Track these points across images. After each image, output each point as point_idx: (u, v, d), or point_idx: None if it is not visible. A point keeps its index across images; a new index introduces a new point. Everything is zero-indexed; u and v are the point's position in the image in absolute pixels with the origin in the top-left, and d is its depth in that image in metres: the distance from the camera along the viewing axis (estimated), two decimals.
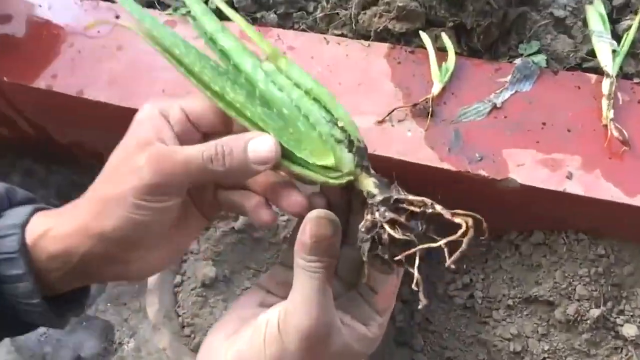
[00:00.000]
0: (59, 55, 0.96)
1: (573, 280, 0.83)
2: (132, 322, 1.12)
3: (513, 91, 0.83)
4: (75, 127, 1.04)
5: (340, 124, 0.44)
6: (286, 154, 0.45)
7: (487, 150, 0.79)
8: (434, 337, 0.97)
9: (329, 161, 0.43)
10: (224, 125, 0.49)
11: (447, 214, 0.39)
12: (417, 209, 0.40)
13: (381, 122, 0.84)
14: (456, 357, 0.96)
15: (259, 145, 0.44)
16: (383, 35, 0.89)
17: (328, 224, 0.44)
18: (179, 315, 0.86)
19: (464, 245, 0.37)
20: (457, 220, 0.38)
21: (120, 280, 0.52)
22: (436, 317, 0.98)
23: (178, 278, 0.88)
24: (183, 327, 0.85)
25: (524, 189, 0.77)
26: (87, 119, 0.96)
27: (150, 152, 0.45)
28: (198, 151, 0.45)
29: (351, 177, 0.43)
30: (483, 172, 0.78)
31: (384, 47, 0.89)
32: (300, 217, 0.46)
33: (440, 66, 0.84)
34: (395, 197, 0.41)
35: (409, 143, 0.81)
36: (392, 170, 0.84)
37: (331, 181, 0.43)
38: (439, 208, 0.40)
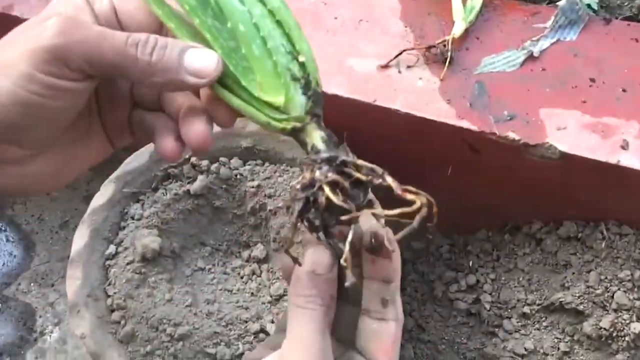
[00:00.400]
0: None
1: (611, 285, 0.75)
2: (59, 307, 1.01)
3: (554, 39, 0.73)
4: None
5: (301, 58, 0.42)
6: (227, 81, 0.42)
7: (519, 108, 0.70)
8: (427, 349, 0.89)
9: (278, 99, 0.41)
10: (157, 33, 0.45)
11: (397, 188, 0.39)
12: (364, 177, 0.39)
13: (385, 66, 0.74)
14: None
15: (200, 55, 0.41)
16: None
17: (325, 250, 0.42)
18: (108, 295, 0.73)
19: (414, 224, 0.38)
20: (409, 197, 0.38)
21: None
22: (431, 324, 0.89)
23: (112, 248, 0.75)
24: (112, 310, 0.73)
25: (563, 160, 0.68)
26: None
27: (62, 16, 0.40)
28: (122, 33, 0.41)
29: (298, 124, 0.42)
30: (513, 135, 0.68)
31: None
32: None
33: (464, 3, 0.75)
34: (343, 158, 0.40)
35: (419, 94, 0.71)
36: (395, 127, 0.70)
37: (273, 123, 0.42)
38: (389, 180, 0.39)
